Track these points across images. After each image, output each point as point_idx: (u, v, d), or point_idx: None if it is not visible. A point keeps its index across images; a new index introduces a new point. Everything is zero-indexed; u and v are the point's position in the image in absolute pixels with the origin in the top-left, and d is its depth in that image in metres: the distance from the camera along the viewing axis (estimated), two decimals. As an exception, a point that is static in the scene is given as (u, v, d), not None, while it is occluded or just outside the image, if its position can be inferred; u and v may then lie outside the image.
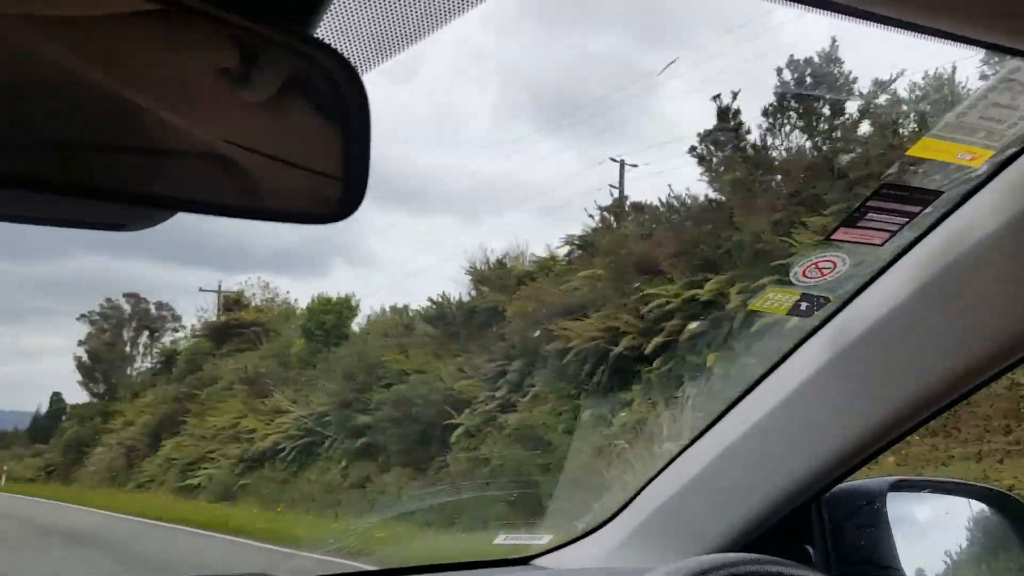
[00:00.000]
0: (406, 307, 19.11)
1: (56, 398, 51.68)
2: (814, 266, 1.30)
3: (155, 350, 39.79)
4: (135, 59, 0.51)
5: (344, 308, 22.15)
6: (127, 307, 41.27)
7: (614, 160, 19.69)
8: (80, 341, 41.10)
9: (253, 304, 32.82)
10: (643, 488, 1.56)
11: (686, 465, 1.48)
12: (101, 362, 40.34)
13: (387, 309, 23.59)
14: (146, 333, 41.12)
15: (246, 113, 0.57)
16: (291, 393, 19.87)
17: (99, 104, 0.50)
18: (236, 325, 31.25)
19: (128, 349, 41.21)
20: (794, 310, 1.30)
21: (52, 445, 39.12)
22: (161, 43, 0.52)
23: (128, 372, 41.04)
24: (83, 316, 41.26)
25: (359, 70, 0.61)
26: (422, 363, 15.40)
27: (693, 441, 1.49)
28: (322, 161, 0.61)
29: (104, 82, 0.49)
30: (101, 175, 0.52)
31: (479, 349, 14.35)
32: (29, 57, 0.45)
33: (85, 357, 40.57)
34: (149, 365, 40.40)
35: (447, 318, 15.42)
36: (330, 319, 21.65)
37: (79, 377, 40.82)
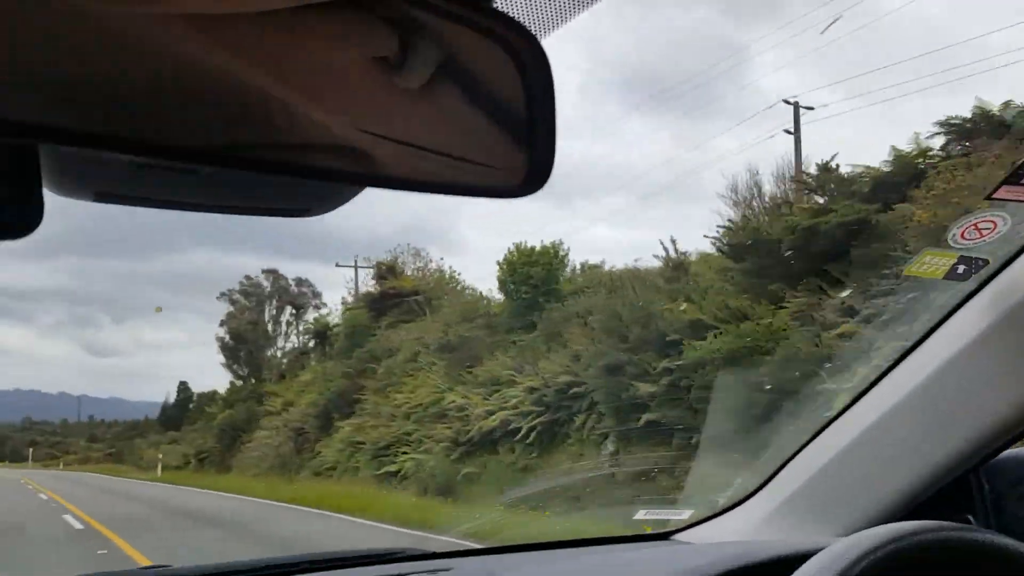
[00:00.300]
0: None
1: (183, 387, 55.09)
2: (973, 227, 1.27)
3: (302, 326, 37.46)
4: (294, 56, 0.50)
5: (552, 258, 18.35)
6: (266, 283, 39.13)
7: (787, 102, 18.90)
8: (221, 321, 39.24)
9: (407, 272, 29.67)
10: (788, 461, 1.53)
11: (835, 436, 1.44)
12: (245, 342, 38.28)
13: (578, 267, 19.85)
14: (289, 310, 38.77)
15: (413, 97, 0.55)
16: (507, 361, 16.26)
17: (270, 103, 0.49)
18: (394, 294, 28.20)
19: (271, 327, 39.08)
20: (951, 274, 1.26)
21: (201, 430, 37.42)
22: (316, 38, 0.50)
23: (272, 351, 38.94)
24: (223, 295, 39.34)
25: (538, 37, 0.59)
26: (725, 310, 11.30)
27: (842, 412, 1.45)
28: (505, 133, 0.59)
29: (268, 81, 0.48)
30: (282, 162, 0.52)
31: (829, 282, 10.16)
32: (190, 55, 0.45)
33: (228, 338, 38.65)
34: (295, 343, 38.22)
35: (762, 247, 11.23)
36: (538, 272, 17.88)
37: (222, 359, 38.94)
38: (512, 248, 18.63)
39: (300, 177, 0.55)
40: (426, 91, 0.54)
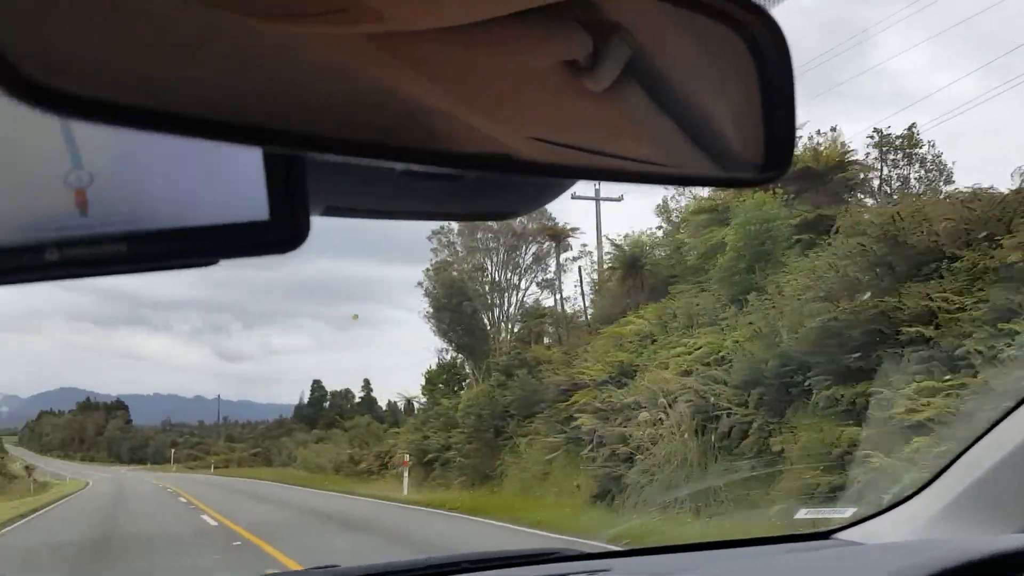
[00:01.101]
0: None
1: (316, 385, 56.50)
2: None
3: (565, 265, 26.12)
4: (483, 68, 0.48)
5: None
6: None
7: None
8: (426, 271, 28.34)
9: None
10: (955, 459, 1.50)
11: (1009, 433, 1.40)
12: (467, 297, 27.35)
13: None
14: (532, 248, 27.32)
15: (607, 96, 0.52)
16: None
17: (461, 114, 0.48)
18: (806, 173, 16.26)
19: (499, 273, 27.90)
20: None
21: (416, 423, 26.62)
22: (508, 47, 0.48)
23: (505, 308, 27.77)
24: (434, 234, 28.41)
25: (768, 8, 0.55)
26: None
27: (1013, 409, 1.41)
28: (738, 117, 0.57)
29: (459, 93, 0.48)
30: (489, 166, 0.51)
31: None
32: (371, 75, 0.45)
33: (441, 293, 27.78)
34: (537, 294, 27.09)
35: None
36: None
37: (432, 325, 28.03)
38: None
39: (515, 174, 0.54)
40: (618, 90, 0.52)
